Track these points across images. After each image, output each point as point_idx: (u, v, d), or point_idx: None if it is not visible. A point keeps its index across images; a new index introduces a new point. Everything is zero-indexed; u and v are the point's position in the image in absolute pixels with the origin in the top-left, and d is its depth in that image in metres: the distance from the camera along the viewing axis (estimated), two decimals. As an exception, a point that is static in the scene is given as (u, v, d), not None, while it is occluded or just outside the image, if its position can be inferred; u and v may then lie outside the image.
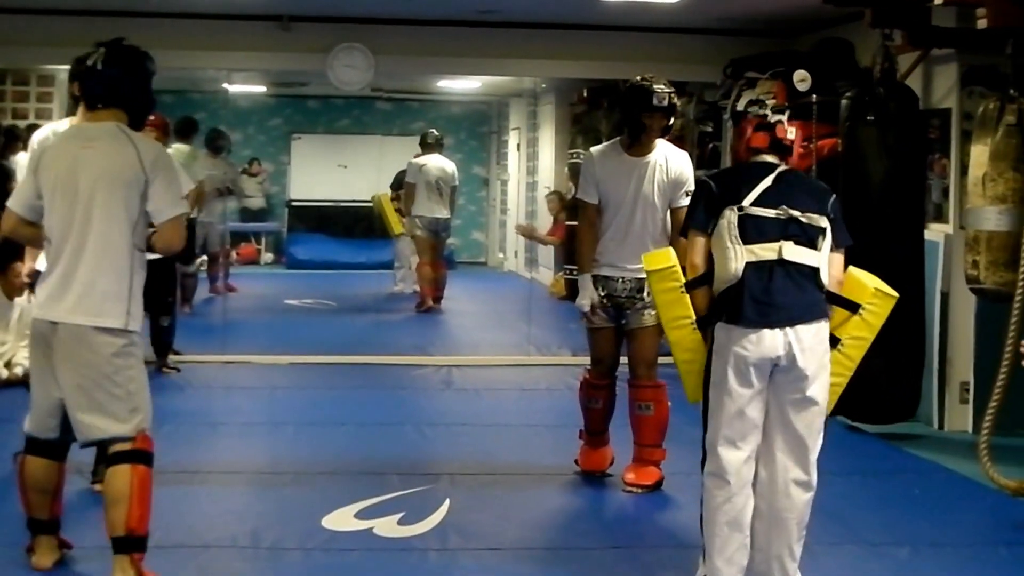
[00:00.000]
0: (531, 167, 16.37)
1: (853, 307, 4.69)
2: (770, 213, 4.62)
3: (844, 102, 7.85)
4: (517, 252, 16.87)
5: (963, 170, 7.63)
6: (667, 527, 5.86)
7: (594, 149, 6.51)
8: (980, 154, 7.05)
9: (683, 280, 4.75)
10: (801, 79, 8.74)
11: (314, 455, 7.03)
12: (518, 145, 17.00)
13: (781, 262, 4.57)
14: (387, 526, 5.65)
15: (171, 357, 9.48)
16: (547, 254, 15.49)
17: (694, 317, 4.73)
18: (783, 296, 4.54)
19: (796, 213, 4.61)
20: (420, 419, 8.02)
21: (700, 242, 4.76)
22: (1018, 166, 6.90)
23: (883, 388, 7.63)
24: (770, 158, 4.81)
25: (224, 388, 9.12)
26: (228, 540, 5.44)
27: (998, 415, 6.67)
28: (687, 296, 4.74)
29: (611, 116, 13.05)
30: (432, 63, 11.19)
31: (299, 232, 17.71)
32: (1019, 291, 6.62)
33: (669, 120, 6.29)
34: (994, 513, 6.23)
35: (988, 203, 6.98)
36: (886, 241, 7.55)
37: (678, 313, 4.75)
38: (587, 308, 6.31)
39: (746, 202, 4.63)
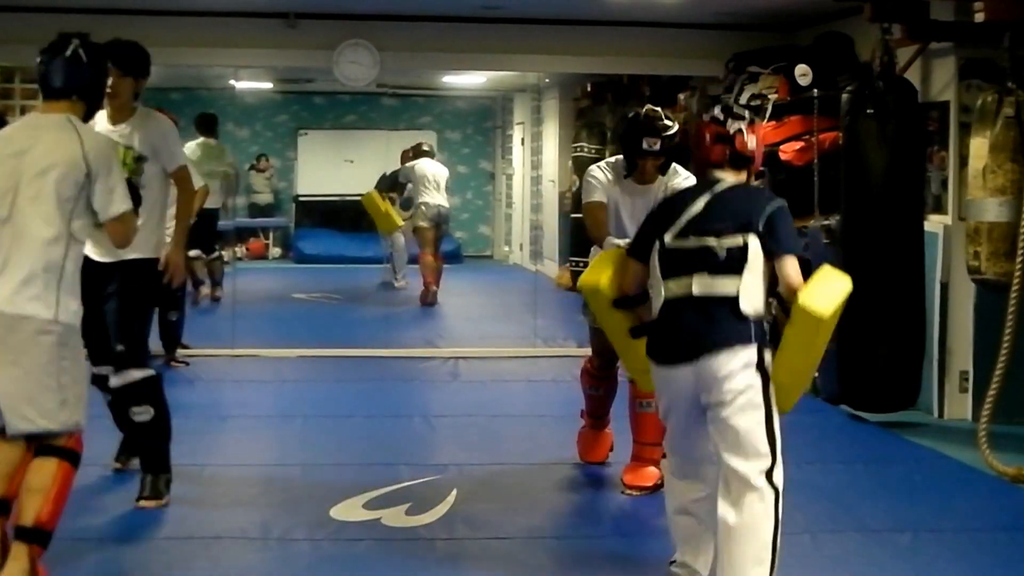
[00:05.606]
0: (535, 161, 16.43)
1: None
2: (686, 244, 4.47)
3: (844, 96, 7.89)
4: (522, 245, 16.92)
5: (961, 162, 7.68)
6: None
7: (594, 167, 6.32)
8: (980, 146, 7.10)
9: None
10: (802, 73, 8.80)
11: (322, 446, 7.09)
12: (522, 140, 17.05)
13: (692, 298, 4.43)
14: (395, 516, 5.67)
15: (180, 351, 9.55)
16: (552, 247, 15.55)
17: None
18: (691, 332, 4.42)
19: (711, 240, 4.41)
20: (427, 410, 8.07)
21: (632, 268, 4.72)
22: (1016, 157, 6.95)
23: (884, 377, 7.72)
24: (725, 175, 4.59)
25: (233, 381, 9.16)
26: (238, 531, 5.47)
27: (997, 403, 6.74)
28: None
29: (615, 110, 13.15)
30: (437, 59, 11.25)
31: (306, 227, 17.80)
32: (1016, 281, 6.70)
33: (663, 160, 6.06)
34: (993, 499, 6.27)
35: (988, 195, 7.03)
36: (886, 232, 7.65)
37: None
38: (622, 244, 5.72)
39: (668, 236, 4.51)
